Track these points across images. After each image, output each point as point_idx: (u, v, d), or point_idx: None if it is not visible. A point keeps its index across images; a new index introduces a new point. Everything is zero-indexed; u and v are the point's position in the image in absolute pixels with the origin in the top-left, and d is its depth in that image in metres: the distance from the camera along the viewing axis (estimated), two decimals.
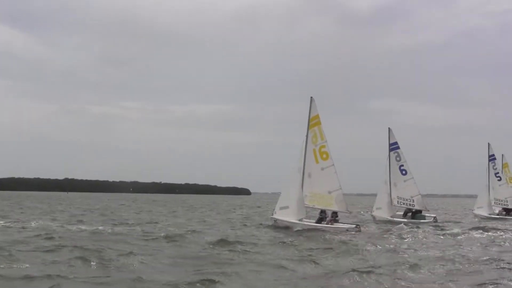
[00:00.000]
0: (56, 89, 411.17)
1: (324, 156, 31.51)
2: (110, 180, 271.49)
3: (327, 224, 31.56)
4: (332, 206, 31.70)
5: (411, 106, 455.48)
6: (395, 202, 45.27)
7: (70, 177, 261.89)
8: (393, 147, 45.70)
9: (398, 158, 45.64)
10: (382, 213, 44.64)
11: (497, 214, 53.94)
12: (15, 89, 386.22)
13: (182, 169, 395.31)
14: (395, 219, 43.80)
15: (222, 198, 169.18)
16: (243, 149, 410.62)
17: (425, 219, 44.08)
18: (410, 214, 45.13)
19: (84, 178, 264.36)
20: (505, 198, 54.96)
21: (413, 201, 45.14)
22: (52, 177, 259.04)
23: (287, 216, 31.54)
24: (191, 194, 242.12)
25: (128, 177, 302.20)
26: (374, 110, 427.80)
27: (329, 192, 31.68)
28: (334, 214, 32.25)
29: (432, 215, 45.89)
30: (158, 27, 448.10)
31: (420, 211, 45.32)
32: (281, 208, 31.83)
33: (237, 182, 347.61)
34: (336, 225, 31.40)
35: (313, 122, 31.91)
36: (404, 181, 45.39)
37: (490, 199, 54.52)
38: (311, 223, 31.75)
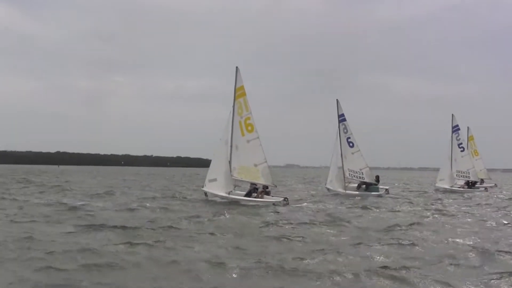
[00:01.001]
0: (46, 64, 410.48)
1: (249, 128, 30.84)
2: (102, 153, 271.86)
3: (256, 197, 31.00)
4: (259, 179, 31.14)
5: (400, 80, 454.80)
6: (347, 175, 44.88)
7: (61, 150, 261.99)
8: (341, 118, 45.18)
9: (345, 130, 45.07)
10: (334, 186, 44.28)
11: (461, 187, 53.45)
12: (4, 64, 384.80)
13: (174, 142, 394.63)
14: (347, 191, 43.57)
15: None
16: None
17: (378, 191, 43.82)
18: (364, 186, 44.71)
19: (76, 151, 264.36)
20: (467, 170, 54.38)
21: (362, 173, 44.73)
22: (44, 150, 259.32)
23: (215, 189, 30.98)
24: (183, 167, 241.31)
25: (119, 151, 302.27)
26: (364, 84, 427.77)
27: (255, 165, 31.07)
28: (265, 186, 31.71)
29: (385, 187, 45.49)
30: (147, 1, 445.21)
31: (375, 184, 45.00)
32: (210, 181, 31.21)
33: None
34: (265, 198, 30.84)
35: (238, 93, 31.17)
36: (352, 153, 44.87)
37: (452, 172, 53.91)
38: (241, 196, 31.18)
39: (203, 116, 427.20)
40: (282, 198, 30.67)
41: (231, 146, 31.08)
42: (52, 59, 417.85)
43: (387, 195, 42.60)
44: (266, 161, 31.25)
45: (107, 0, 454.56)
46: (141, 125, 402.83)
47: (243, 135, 30.83)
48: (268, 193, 31.47)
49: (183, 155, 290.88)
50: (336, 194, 42.33)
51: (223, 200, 30.49)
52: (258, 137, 31.15)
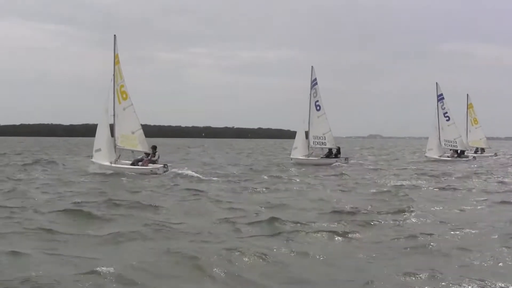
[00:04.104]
0: (125, 37, 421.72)
1: (124, 96, 31.04)
2: (183, 125, 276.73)
3: (143, 164, 31.26)
4: (137, 146, 31.39)
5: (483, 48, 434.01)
6: (311, 143, 44.45)
7: (143, 123, 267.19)
8: (313, 83, 44.95)
9: (315, 94, 44.86)
10: (297, 154, 44.07)
11: (450, 156, 51.63)
12: (83, 37, 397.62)
13: (255, 113, 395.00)
14: (310, 158, 43.35)
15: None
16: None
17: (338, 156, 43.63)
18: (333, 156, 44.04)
19: (157, 124, 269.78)
20: (454, 139, 52.41)
21: (325, 138, 44.27)
22: None
23: (101, 159, 31.36)
24: (264, 139, 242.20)
25: (200, 122, 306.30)
26: (445, 52, 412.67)
27: (133, 133, 31.40)
28: (152, 154, 31.95)
29: (345, 157, 44.49)
30: None
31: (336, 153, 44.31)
32: (96, 151, 31.66)
33: None
34: (150, 166, 31.03)
35: (116, 60, 31.43)
36: (318, 117, 44.69)
37: (440, 141, 52.10)
38: (126, 165, 31.37)
39: (284, 87, 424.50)
40: (162, 165, 30.92)
41: (114, 114, 31.43)
42: (131, 32, 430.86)
43: (344, 163, 41.99)
44: (141, 128, 31.66)
45: None
46: (223, 96, 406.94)
47: (119, 103, 31.11)
48: (154, 162, 31.61)
49: (264, 126, 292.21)
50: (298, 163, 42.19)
51: (107, 171, 30.57)
52: (132, 104, 31.43)
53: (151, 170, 30.17)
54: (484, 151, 58.29)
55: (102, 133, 31.43)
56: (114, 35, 31.76)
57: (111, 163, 31.06)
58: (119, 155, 31.83)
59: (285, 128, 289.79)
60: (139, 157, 31.88)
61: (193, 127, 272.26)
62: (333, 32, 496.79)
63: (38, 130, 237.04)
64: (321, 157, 43.94)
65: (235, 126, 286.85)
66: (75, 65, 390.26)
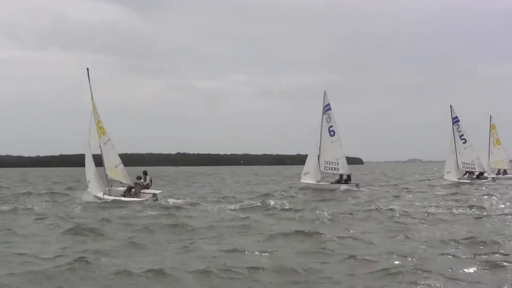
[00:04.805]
0: (163, 65, 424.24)
1: (102, 131, 30.88)
2: (222, 153, 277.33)
3: (134, 194, 30.86)
4: (122, 179, 31.25)
5: None
6: (322, 168, 43.73)
7: (182, 151, 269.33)
8: (326, 108, 44.92)
9: (328, 119, 44.69)
10: (309, 178, 44.13)
11: (469, 178, 50.24)
12: (122, 66, 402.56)
13: (293, 140, 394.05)
14: (320, 183, 43.28)
15: None
16: (354, 119, 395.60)
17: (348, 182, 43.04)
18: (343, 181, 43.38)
19: (196, 152, 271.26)
20: (472, 161, 51.17)
21: (338, 164, 43.74)
22: (165, 151, 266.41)
23: (94, 190, 31.09)
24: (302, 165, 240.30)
25: (240, 150, 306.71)
26: (483, 74, 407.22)
27: (116, 166, 31.18)
28: (144, 179, 32.00)
29: (356, 183, 43.51)
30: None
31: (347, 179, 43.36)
32: (88, 182, 31.40)
33: (350, 151, 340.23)
34: (143, 195, 30.63)
35: (91, 95, 30.91)
36: (331, 142, 44.49)
37: (458, 163, 50.75)
38: (118, 194, 31.07)
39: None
40: (152, 195, 30.40)
41: (100, 147, 31.03)
42: (168, 60, 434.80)
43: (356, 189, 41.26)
44: (121, 163, 31.33)
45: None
46: (261, 123, 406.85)
47: (100, 137, 30.84)
48: (146, 186, 31.60)
49: (303, 152, 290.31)
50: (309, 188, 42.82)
51: (100, 201, 30.00)
52: (110, 140, 31.24)
53: (141, 202, 29.40)
54: (506, 173, 56.41)
55: (88, 165, 31.12)
56: (87, 68, 31.12)
57: (104, 194, 30.75)
58: (111, 186, 31.56)
59: None
60: (131, 184, 31.63)
61: (231, 154, 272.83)
62: (372, 54, 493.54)
63: (77, 160, 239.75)
64: (331, 183, 43.21)
65: (274, 153, 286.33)
66: (114, 95, 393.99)
